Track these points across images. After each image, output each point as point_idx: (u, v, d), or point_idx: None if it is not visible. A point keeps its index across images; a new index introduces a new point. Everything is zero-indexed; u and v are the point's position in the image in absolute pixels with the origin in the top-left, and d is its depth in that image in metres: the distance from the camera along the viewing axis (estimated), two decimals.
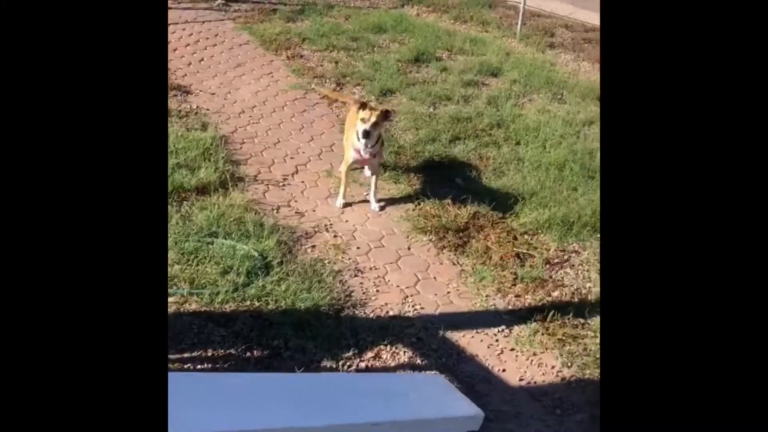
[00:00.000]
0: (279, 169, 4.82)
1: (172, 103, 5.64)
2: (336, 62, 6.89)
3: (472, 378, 3.12)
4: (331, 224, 4.23)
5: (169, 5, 8.34)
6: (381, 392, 1.90)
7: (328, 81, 6.42)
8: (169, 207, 4.05)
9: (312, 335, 3.22)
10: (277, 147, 5.15)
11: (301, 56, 7.00)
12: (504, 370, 3.18)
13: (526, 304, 3.63)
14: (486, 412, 2.98)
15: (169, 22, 7.72)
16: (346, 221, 4.29)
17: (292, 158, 5.01)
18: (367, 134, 4.04)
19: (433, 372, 3.02)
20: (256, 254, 3.71)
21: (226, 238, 3.81)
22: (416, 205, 4.47)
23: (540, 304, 3.62)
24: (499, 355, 3.27)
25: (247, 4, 8.66)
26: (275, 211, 4.30)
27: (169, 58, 6.68)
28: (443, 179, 4.78)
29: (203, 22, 7.92)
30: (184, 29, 7.58)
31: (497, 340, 3.36)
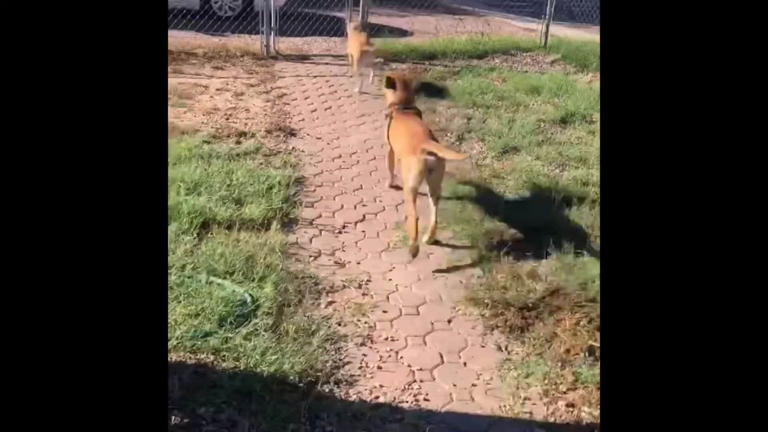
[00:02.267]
0: (345, 216, 4.13)
1: (270, 143, 5.25)
2: (468, 119, 6.14)
3: None
4: (368, 281, 3.41)
5: (329, 62, 8.23)
6: None
7: (449, 135, 5.68)
8: (190, 237, 3.52)
9: (256, 410, 2.41)
10: (355, 193, 4.47)
11: (434, 111, 6.36)
12: None
13: (580, 418, 2.49)
14: None
15: (316, 74, 7.56)
16: (390, 280, 3.44)
17: (364, 206, 4.29)
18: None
19: None
20: (248, 299, 3.00)
21: (224, 278, 3.16)
22: (485, 272, 3.49)
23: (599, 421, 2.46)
24: None
25: (405, 63, 8.30)
26: (312, 258, 3.58)
27: (295, 105, 6.41)
28: (537, 245, 3.75)
29: (351, 76, 7.64)
30: (327, 80, 7.34)
31: None
